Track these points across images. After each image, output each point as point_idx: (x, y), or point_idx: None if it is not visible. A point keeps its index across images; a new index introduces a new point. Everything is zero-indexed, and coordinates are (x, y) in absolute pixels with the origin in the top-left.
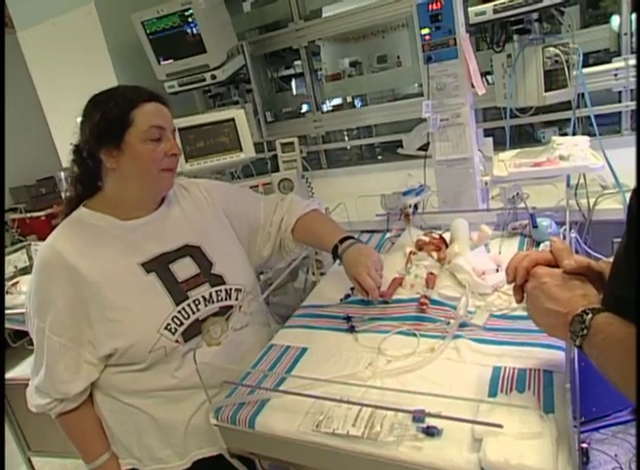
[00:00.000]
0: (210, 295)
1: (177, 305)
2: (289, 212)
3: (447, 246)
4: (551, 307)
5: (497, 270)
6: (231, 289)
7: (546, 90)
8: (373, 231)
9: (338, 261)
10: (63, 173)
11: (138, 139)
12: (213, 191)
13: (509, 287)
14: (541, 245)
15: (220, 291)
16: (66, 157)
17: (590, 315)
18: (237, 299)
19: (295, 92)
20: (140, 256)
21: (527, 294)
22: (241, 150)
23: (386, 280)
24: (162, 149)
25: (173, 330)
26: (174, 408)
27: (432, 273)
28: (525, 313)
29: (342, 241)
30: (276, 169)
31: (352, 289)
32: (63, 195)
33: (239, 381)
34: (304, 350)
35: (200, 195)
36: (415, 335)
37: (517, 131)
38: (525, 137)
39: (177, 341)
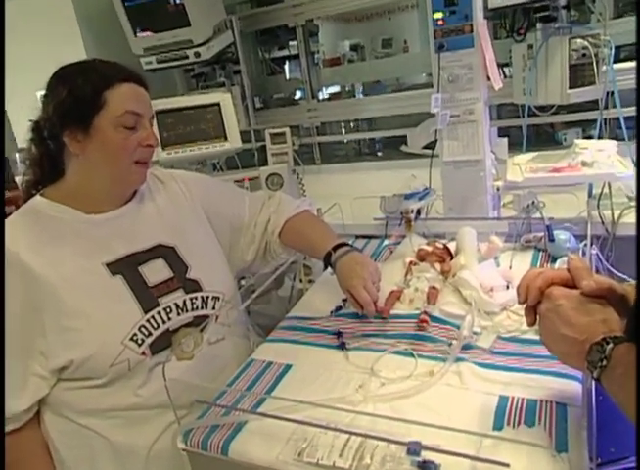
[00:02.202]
0: (184, 302)
1: (146, 312)
2: (277, 213)
3: (452, 257)
4: (566, 333)
5: (507, 287)
6: (207, 296)
7: (571, 87)
8: (370, 237)
9: (329, 270)
10: (17, 155)
11: (109, 124)
12: (192, 184)
13: (520, 307)
14: (558, 261)
15: (195, 298)
16: (22, 136)
17: (611, 345)
18: (214, 308)
19: (288, 76)
20: (105, 255)
21: (541, 317)
22: (225, 139)
23: (383, 292)
24: (137, 138)
25: (140, 341)
26: (135, 431)
27: (434, 287)
28: (537, 337)
29: (335, 248)
30: (264, 163)
31: (345, 300)
32: (17, 179)
33: (212, 400)
34: (288, 367)
35: (177, 188)
36: (413, 355)
37: (535, 132)
38: (543, 139)
39: (143, 353)
